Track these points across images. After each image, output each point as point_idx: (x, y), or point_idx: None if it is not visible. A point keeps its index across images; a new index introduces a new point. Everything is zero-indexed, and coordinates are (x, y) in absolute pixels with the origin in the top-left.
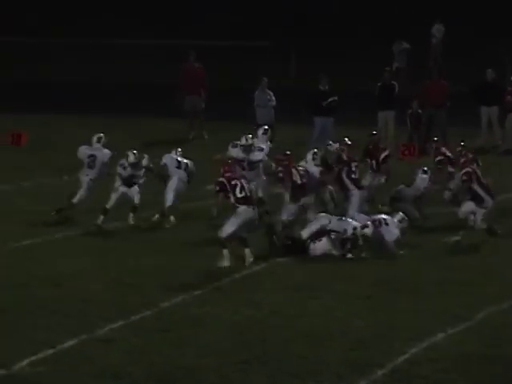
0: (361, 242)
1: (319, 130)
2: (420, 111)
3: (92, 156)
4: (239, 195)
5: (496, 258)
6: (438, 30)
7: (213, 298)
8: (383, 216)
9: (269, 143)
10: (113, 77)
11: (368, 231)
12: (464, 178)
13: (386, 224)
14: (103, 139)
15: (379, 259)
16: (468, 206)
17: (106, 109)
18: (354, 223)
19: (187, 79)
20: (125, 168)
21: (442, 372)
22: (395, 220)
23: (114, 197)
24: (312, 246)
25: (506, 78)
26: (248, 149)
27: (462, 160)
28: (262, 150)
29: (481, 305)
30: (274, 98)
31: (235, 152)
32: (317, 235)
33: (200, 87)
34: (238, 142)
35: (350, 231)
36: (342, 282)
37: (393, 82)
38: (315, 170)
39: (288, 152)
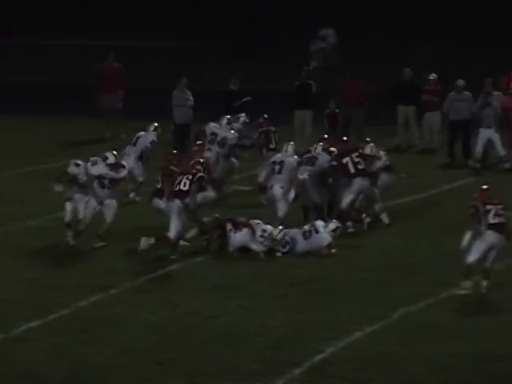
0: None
1: None
2: (337, 110)
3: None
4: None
5: (414, 258)
6: (327, 34)
7: (130, 298)
8: (315, 224)
9: (233, 132)
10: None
11: (279, 236)
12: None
13: (317, 232)
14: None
15: (296, 260)
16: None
17: (18, 109)
18: (266, 227)
19: (105, 78)
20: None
21: (358, 371)
22: (329, 228)
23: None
24: (232, 235)
25: (422, 77)
26: (114, 166)
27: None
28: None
29: (398, 304)
30: (191, 98)
31: (96, 169)
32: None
33: (117, 86)
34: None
35: (258, 233)
36: (259, 282)
37: (310, 81)
38: (292, 161)
39: (175, 152)
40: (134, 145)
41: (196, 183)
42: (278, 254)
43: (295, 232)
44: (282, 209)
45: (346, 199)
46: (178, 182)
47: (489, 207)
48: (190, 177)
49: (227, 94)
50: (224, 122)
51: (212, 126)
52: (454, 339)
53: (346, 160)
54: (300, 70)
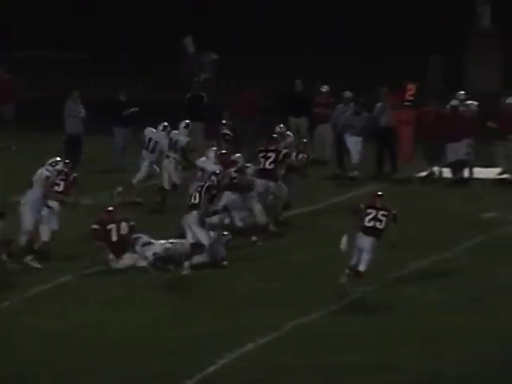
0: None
1: (121, 139)
2: (230, 122)
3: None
4: None
5: (307, 270)
6: (187, 43)
7: (22, 309)
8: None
9: (188, 138)
10: None
11: (160, 251)
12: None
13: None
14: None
15: (191, 272)
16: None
17: None
18: (150, 242)
19: None
20: None
21: (250, 382)
22: (221, 242)
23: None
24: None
25: (315, 89)
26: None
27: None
28: None
29: (291, 315)
30: (83, 110)
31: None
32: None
33: (8, 98)
34: None
35: (142, 251)
36: (154, 293)
37: (201, 93)
38: (214, 168)
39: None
40: (152, 151)
41: (206, 194)
42: (170, 267)
43: (187, 244)
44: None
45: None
46: (191, 195)
47: (369, 210)
48: (199, 188)
49: (116, 104)
50: (182, 125)
51: (172, 133)
52: (347, 350)
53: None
54: (191, 81)
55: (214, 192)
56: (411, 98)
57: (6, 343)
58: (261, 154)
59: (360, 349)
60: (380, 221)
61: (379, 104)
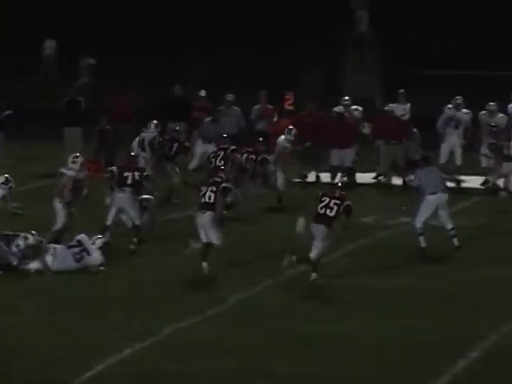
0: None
1: None
2: (108, 127)
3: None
4: None
5: (185, 276)
6: (49, 45)
7: None
8: (83, 242)
9: (154, 133)
10: None
11: (31, 242)
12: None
13: (88, 253)
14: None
15: (67, 276)
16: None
17: None
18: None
19: None
20: None
21: None
22: (96, 245)
23: None
24: None
25: (193, 94)
26: None
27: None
28: None
29: (167, 320)
30: None
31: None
32: None
33: None
34: None
35: (13, 245)
36: (29, 298)
37: (78, 97)
38: (72, 174)
39: None
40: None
41: (221, 194)
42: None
43: (63, 250)
44: (60, 219)
45: (110, 215)
46: (202, 194)
47: (324, 198)
48: (214, 188)
49: None
50: (152, 126)
51: (142, 134)
52: (223, 355)
53: (126, 174)
54: (68, 86)
55: (228, 194)
56: (290, 108)
57: None
58: (212, 155)
59: (235, 355)
60: (331, 208)
61: (257, 106)
